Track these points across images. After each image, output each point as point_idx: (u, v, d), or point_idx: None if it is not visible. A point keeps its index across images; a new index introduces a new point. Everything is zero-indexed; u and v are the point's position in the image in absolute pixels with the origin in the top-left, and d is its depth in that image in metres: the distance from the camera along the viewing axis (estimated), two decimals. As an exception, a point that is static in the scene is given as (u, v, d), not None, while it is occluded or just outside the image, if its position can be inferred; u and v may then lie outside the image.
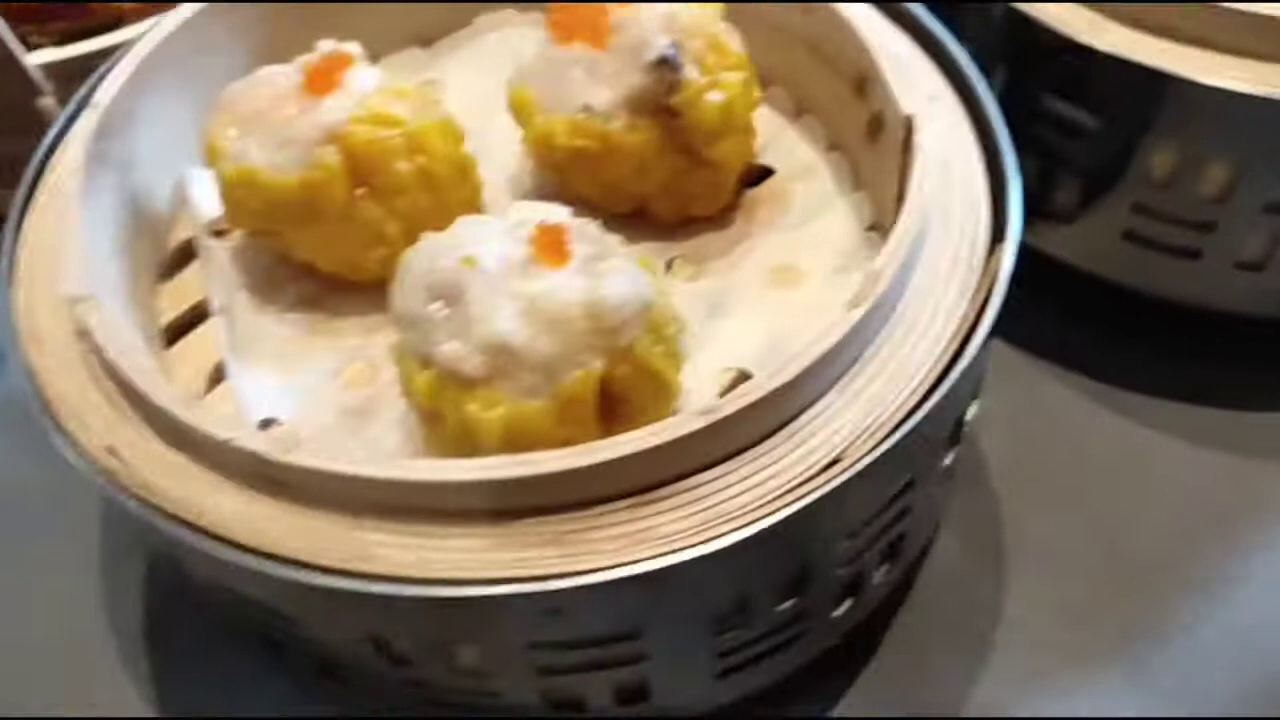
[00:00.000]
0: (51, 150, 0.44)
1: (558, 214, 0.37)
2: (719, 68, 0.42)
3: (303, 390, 0.41)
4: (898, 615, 0.47)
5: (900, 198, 0.42)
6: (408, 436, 0.40)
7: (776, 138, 0.48)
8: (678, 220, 0.45)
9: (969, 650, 0.46)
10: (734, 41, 0.43)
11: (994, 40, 0.49)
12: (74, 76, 0.56)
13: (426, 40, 0.53)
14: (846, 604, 0.41)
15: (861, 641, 0.46)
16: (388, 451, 0.40)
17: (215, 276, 0.44)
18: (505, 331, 0.34)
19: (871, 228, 0.45)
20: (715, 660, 0.38)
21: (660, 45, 0.41)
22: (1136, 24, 0.46)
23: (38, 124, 0.56)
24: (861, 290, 0.36)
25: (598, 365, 0.35)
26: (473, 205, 0.44)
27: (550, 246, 0.35)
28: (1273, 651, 0.45)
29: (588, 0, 0.43)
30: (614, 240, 0.37)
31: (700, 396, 0.40)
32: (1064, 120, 0.49)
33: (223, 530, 0.33)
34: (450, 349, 0.34)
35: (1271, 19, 0.44)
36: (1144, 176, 0.48)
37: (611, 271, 0.35)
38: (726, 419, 0.33)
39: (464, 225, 0.37)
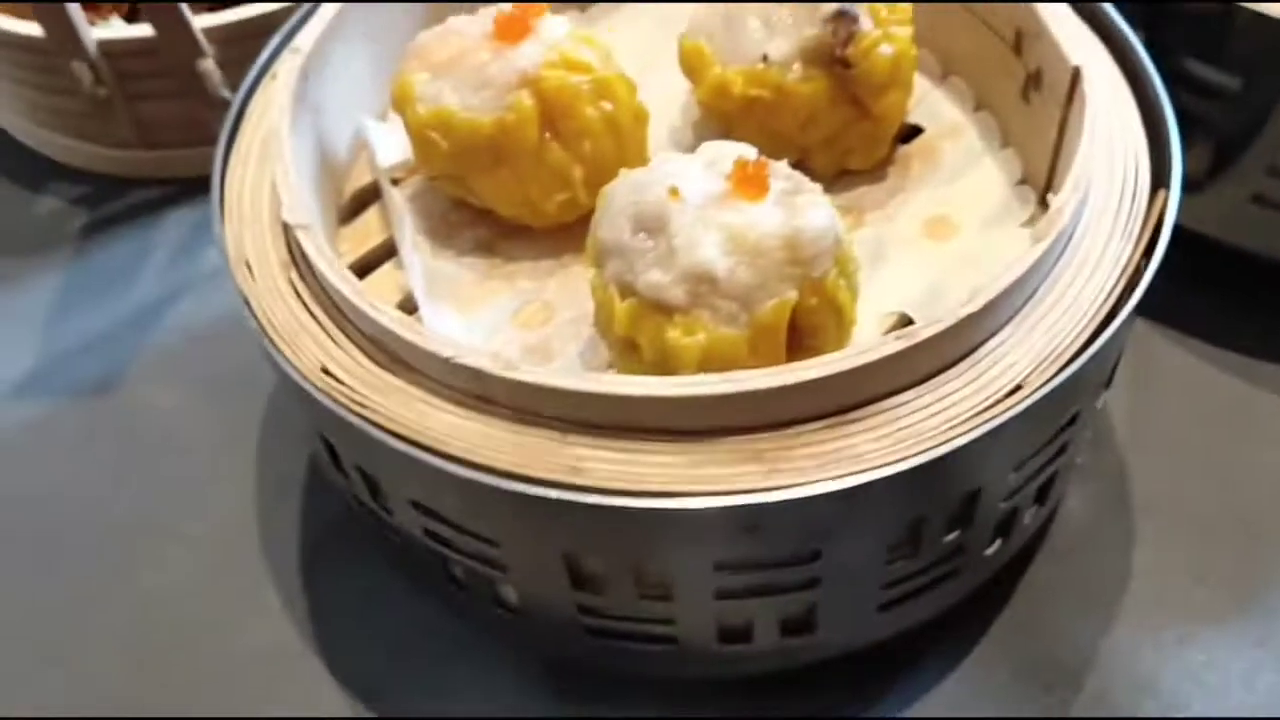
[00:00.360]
0: (248, 97, 0.46)
1: (747, 153, 0.39)
2: (890, 21, 0.44)
3: (485, 328, 0.43)
4: (1031, 565, 0.49)
5: (1058, 149, 0.44)
6: (587, 371, 0.42)
7: (924, 98, 0.50)
8: (835, 173, 0.47)
9: (1100, 603, 0.47)
10: (902, -4, 0.44)
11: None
12: (229, 40, 0.59)
13: (583, 4, 0.55)
14: (997, 543, 0.43)
15: (997, 591, 0.47)
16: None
17: (398, 220, 0.46)
18: (709, 261, 0.36)
19: (1021, 182, 0.47)
20: (881, 590, 0.40)
21: (838, -2, 0.42)
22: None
23: (199, 86, 0.59)
24: (1043, 226, 0.37)
25: (792, 295, 0.36)
26: (643, 156, 0.46)
27: (750, 180, 0.37)
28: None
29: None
30: (802, 177, 0.39)
31: (865, 338, 0.42)
32: (1202, 82, 0.50)
33: (439, 445, 0.35)
34: (654, 277, 0.36)
35: None
36: (1280, 139, 0.50)
37: (808, 205, 0.37)
38: (921, 344, 0.35)
39: (662, 161, 0.38)
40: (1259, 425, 0.52)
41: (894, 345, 0.34)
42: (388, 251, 0.47)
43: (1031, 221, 0.45)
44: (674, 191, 0.37)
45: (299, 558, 0.50)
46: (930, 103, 0.50)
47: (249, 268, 0.40)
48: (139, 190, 0.65)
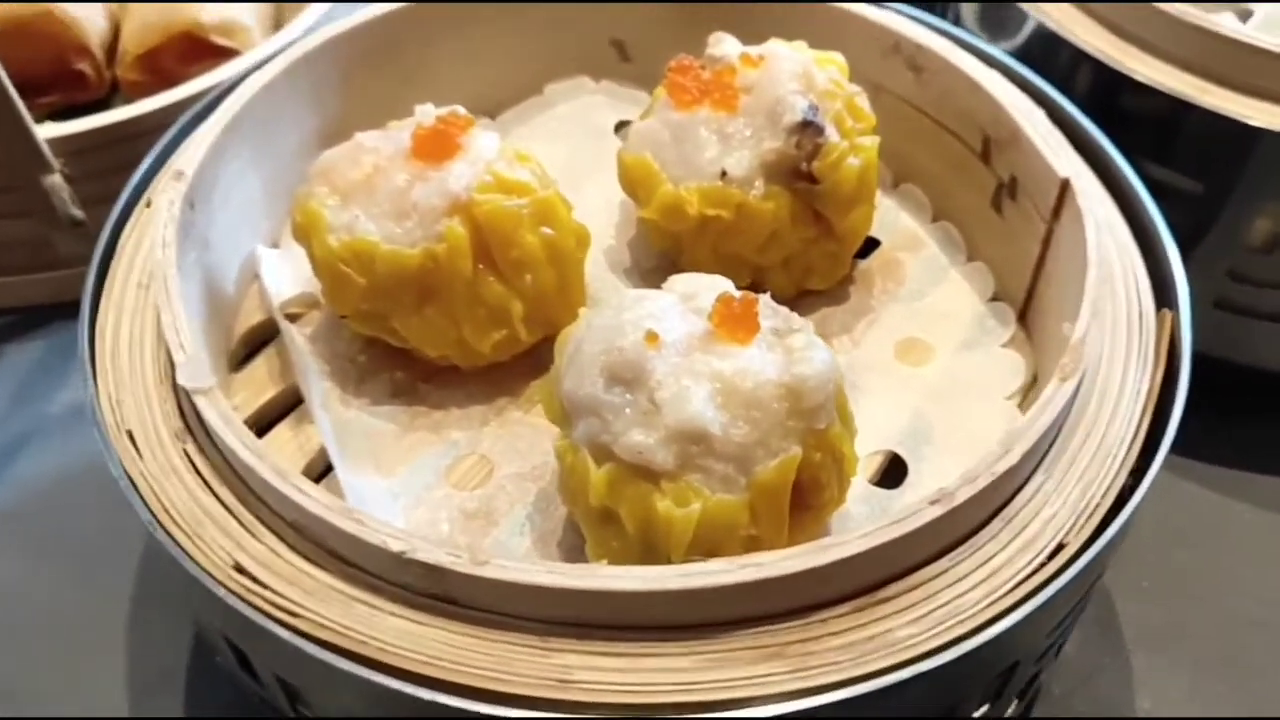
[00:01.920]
0: (118, 228, 0.39)
1: (722, 285, 0.34)
2: (855, 132, 0.39)
3: (414, 491, 0.37)
4: (1033, 713, 0.44)
5: (1040, 265, 0.40)
6: (537, 540, 0.36)
7: (878, 208, 0.46)
8: (794, 294, 0.42)
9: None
10: (865, 102, 0.40)
11: (1081, 100, 0.47)
12: (79, 153, 0.52)
13: (493, 110, 0.49)
14: (1014, 704, 0.38)
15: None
16: (517, 559, 0.35)
17: (303, 370, 0.39)
18: (700, 416, 0.30)
19: (994, 298, 0.43)
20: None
21: (802, 107, 0.38)
22: (1236, 88, 0.46)
23: (44, 204, 0.51)
24: (1068, 362, 0.33)
25: (796, 451, 0.31)
26: (582, 283, 0.40)
27: (738, 320, 0.32)
28: None
29: (693, 60, 0.41)
30: (789, 311, 0.34)
31: (855, 481, 0.37)
32: (1160, 185, 0.47)
33: (389, 658, 0.29)
34: (636, 438, 0.31)
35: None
36: (1241, 242, 0.47)
37: (807, 347, 0.32)
38: (958, 507, 0.30)
39: (634, 300, 0.33)
40: (1236, 539, 0.49)
41: (931, 512, 0.29)
42: (288, 401, 0.40)
43: (1012, 342, 0.41)
44: (652, 337, 0.31)
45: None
46: (884, 212, 0.46)
47: (132, 440, 0.33)
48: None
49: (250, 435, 0.31)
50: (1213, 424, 0.52)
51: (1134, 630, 0.46)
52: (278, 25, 0.63)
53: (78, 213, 0.52)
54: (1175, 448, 0.51)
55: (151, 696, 0.44)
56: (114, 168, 0.52)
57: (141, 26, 0.59)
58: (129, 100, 0.58)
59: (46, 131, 0.51)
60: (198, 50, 0.59)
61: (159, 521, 0.31)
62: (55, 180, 0.51)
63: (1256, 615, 0.46)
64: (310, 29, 0.56)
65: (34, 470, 0.51)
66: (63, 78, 0.60)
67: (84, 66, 0.60)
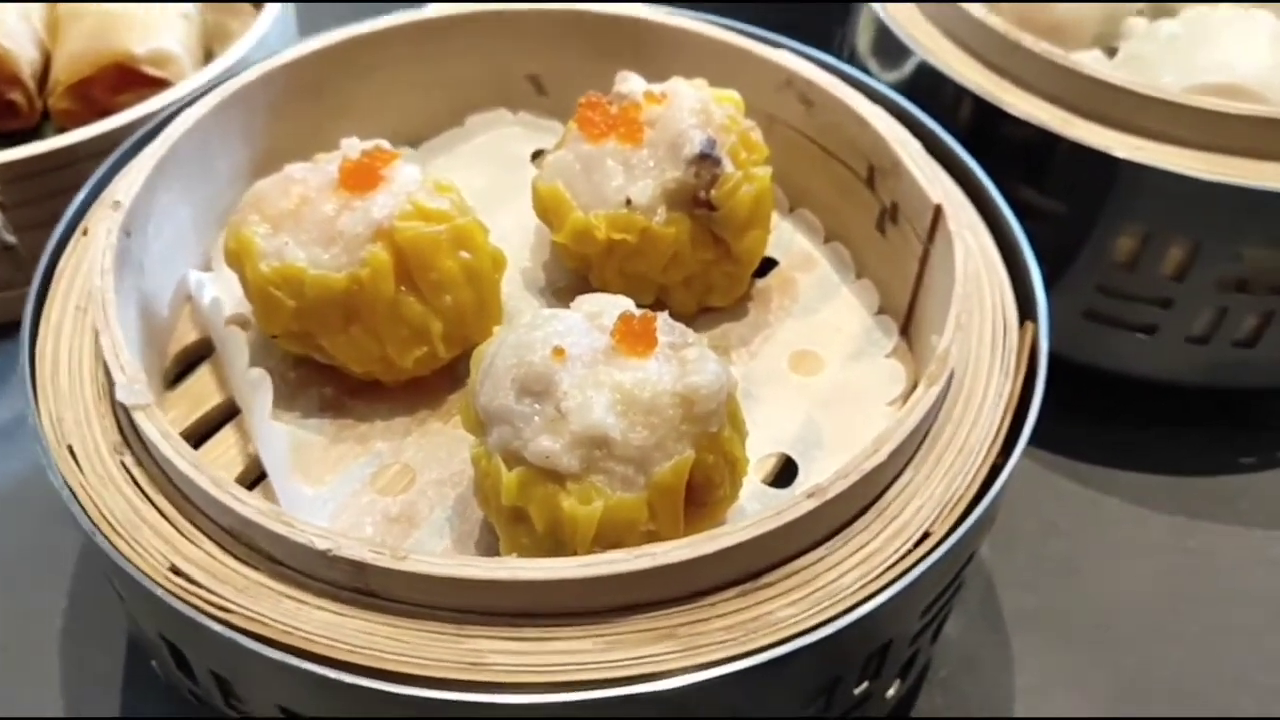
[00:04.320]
0: (55, 256, 0.41)
1: (624, 305, 0.37)
2: (750, 162, 0.43)
3: (341, 498, 0.40)
4: (919, 696, 0.48)
5: (919, 282, 0.44)
6: (455, 541, 0.39)
7: (775, 231, 0.49)
8: (695, 310, 0.46)
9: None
10: (758, 136, 0.44)
11: (963, 130, 0.51)
12: (12, 180, 0.54)
13: (415, 140, 0.52)
14: (896, 684, 0.42)
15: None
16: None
17: (253, 387, 0.41)
18: (602, 423, 0.34)
19: (879, 312, 0.47)
20: (789, 750, 0.38)
21: (701, 140, 0.41)
22: (1098, 120, 0.50)
23: (-21, 230, 0.53)
24: (934, 369, 0.37)
25: (690, 453, 0.34)
26: (498, 302, 0.43)
27: (637, 336, 0.35)
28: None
29: (602, 97, 0.44)
30: (685, 328, 0.37)
31: (749, 481, 0.40)
32: (1030, 206, 0.51)
33: (316, 648, 0.31)
34: (544, 444, 0.34)
35: (1223, 115, 0.48)
36: (1107, 259, 0.52)
37: (699, 359, 0.35)
38: (831, 500, 0.33)
39: (544, 319, 0.36)
40: (1105, 529, 0.53)
41: (806, 505, 0.33)
42: (220, 415, 0.42)
43: (895, 353, 0.45)
44: (558, 351, 0.35)
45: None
46: (781, 235, 0.50)
47: (72, 453, 0.35)
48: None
49: (187, 447, 0.34)
50: (1084, 425, 0.57)
51: (1013, 614, 0.50)
52: (208, 55, 0.66)
53: (10, 238, 0.54)
54: (1050, 447, 0.56)
55: (85, 702, 0.45)
56: (46, 194, 0.54)
57: (72, 57, 0.61)
58: (59, 128, 0.60)
59: (-20, 160, 0.53)
60: (128, 80, 0.61)
61: (99, 529, 0.34)
62: (-11, 207, 0.53)
63: (1123, 598, 0.51)
64: (240, 60, 0.59)
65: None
66: (-7, 108, 0.62)
67: (15, 96, 0.61)
